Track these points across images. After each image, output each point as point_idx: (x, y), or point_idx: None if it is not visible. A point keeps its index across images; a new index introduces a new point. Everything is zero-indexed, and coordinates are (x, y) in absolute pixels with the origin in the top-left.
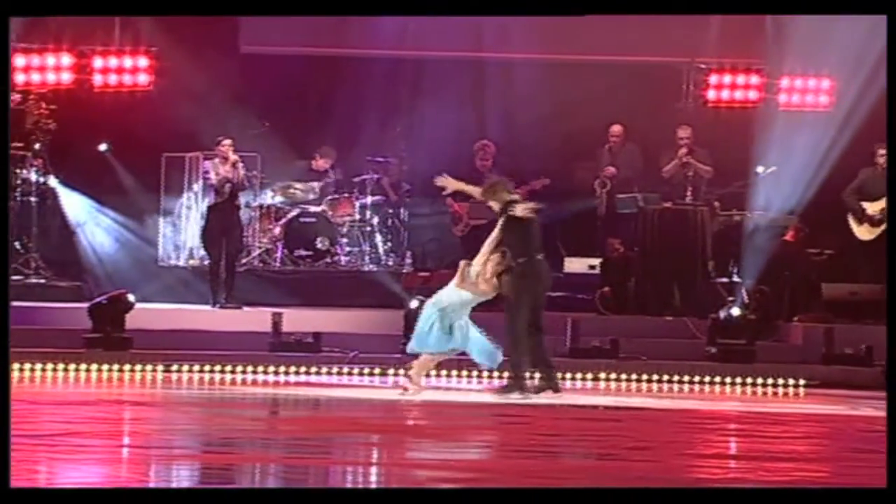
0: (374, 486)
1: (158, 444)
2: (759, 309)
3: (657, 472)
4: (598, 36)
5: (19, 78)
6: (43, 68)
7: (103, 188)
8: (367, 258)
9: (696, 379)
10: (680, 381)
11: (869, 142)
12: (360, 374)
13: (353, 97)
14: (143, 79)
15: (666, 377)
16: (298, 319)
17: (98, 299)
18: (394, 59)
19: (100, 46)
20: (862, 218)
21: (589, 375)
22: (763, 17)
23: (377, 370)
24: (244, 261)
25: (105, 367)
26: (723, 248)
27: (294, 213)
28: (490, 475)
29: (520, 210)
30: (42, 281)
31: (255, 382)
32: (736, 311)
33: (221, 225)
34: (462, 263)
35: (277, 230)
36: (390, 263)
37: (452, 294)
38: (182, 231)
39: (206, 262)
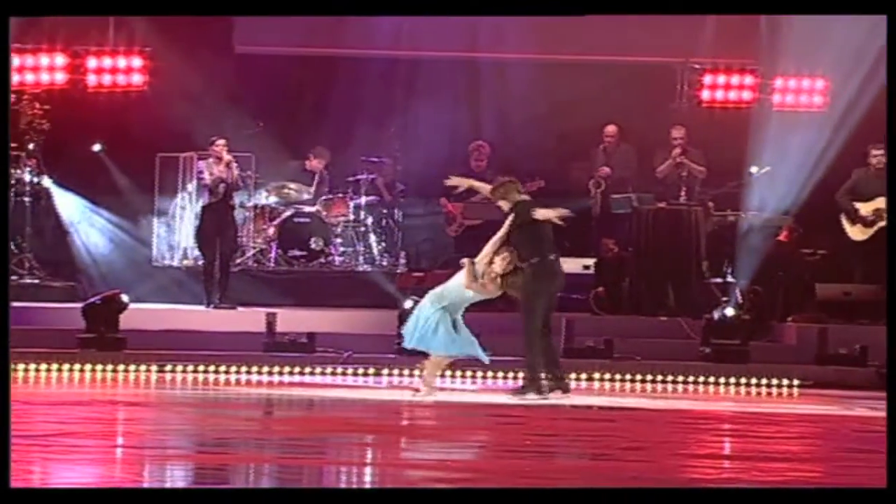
0: (368, 486)
1: (152, 444)
2: (753, 309)
3: (651, 473)
4: (592, 36)
5: (13, 78)
6: (37, 68)
7: (97, 188)
8: (361, 258)
9: (691, 379)
10: (674, 381)
11: (863, 142)
12: (355, 374)
13: (347, 97)
14: (137, 79)
15: (660, 377)
16: (292, 319)
17: (92, 299)
18: (388, 59)
19: (94, 46)
20: (855, 219)
21: (583, 375)
22: (757, 17)
23: (371, 370)
24: (238, 261)
25: (99, 367)
26: (717, 248)
27: (288, 213)
28: (484, 475)
29: (540, 213)
30: (36, 281)
31: (249, 383)
32: (730, 312)
33: (216, 225)
34: (466, 262)
35: (271, 230)
36: (384, 264)
37: (455, 292)
38: (176, 231)
39: (200, 263)
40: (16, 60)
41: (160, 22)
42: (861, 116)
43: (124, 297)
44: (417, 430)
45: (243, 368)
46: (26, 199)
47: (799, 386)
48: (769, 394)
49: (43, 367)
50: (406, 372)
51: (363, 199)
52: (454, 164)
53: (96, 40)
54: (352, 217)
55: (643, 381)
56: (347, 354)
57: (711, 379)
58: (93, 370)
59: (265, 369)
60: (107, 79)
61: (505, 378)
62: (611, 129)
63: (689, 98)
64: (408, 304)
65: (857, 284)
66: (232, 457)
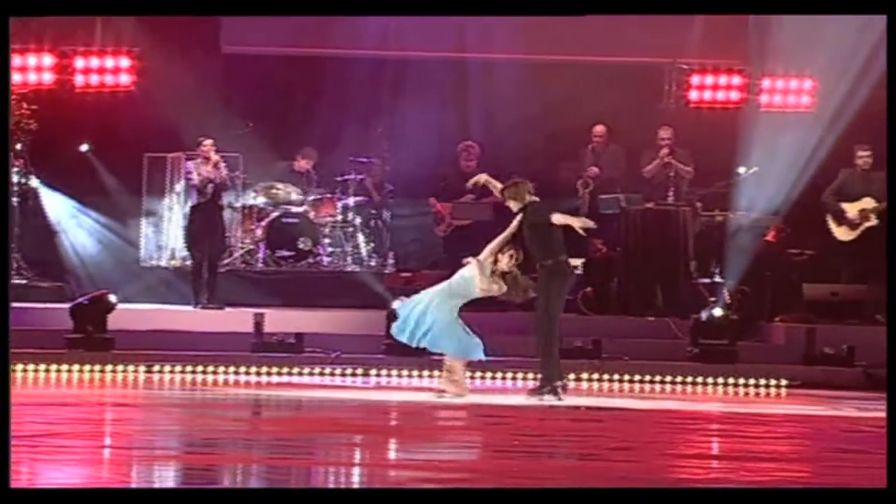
0: (356, 486)
1: (140, 444)
2: (741, 309)
3: (639, 473)
4: (580, 37)
5: None
6: (24, 68)
7: (85, 189)
8: (349, 259)
9: (679, 379)
10: (662, 382)
11: (850, 143)
12: (343, 374)
13: (335, 97)
14: (124, 79)
15: (648, 377)
16: (281, 320)
17: (80, 300)
18: (376, 59)
19: (81, 46)
20: (841, 219)
21: (571, 376)
22: (745, 17)
23: (360, 371)
24: (226, 261)
25: (87, 367)
26: (705, 248)
27: (276, 213)
28: (473, 475)
29: (557, 218)
30: (23, 281)
31: (237, 383)
32: (718, 312)
33: (204, 225)
34: (474, 261)
35: (259, 231)
36: (373, 264)
37: (460, 289)
38: (164, 231)
39: (189, 263)
40: None
41: (148, 22)
42: (849, 117)
43: (112, 298)
44: (406, 430)
45: (231, 369)
46: (14, 199)
47: (787, 386)
48: (757, 394)
49: (31, 367)
50: (394, 372)
51: (351, 200)
52: (442, 165)
53: (84, 40)
54: (340, 217)
55: (631, 381)
56: (336, 355)
57: (699, 379)
58: (80, 370)
59: (253, 370)
60: (94, 79)
61: (493, 378)
62: (599, 129)
63: (677, 98)
64: (396, 304)
65: (844, 285)
66: (220, 457)
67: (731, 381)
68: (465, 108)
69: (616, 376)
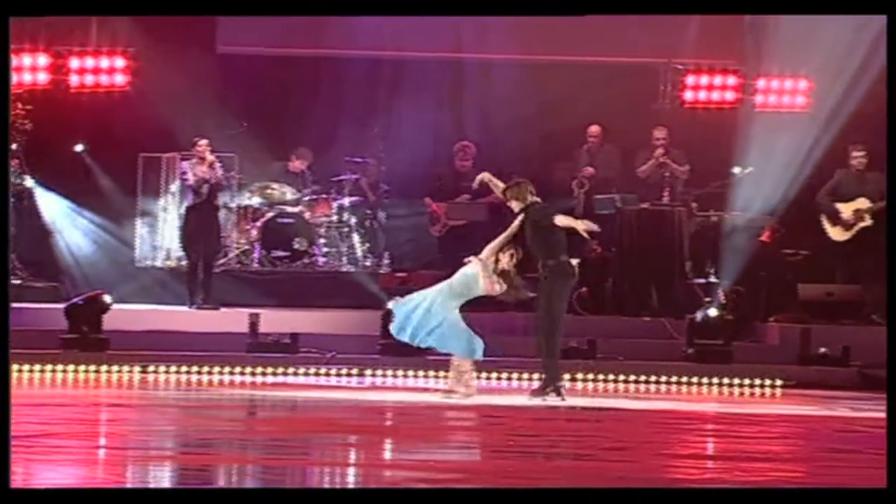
0: (351, 486)
1: (135, 445)
2: (736, 309)
3: (634, 473)
4: (575, 37)
5: None
6: (19, 68)
7: (80, 189)
8: (344, 259)
9: (674, 379)
10: (657, 382)
11: (845, 143)
12: (338, 374)
13: (330, 98)
14: (119, 79)
15: (643, 377)
16: (276, 320)
17: (75, 300)
18: (371, 59)
19: (76, 47)
20: (836, 220)
21: (566, 376)
22: (740, 17)
23: (355, 371)
24: (221, 261)
25: (82, 367)
26: (700, 248)
27: (271, 213)
28: (467, 475)
29: (560, 220)
30: (18, 282)
31: (232, 383)
32: (713, 312)
33: (200, 226)
34: (476, 260)
35: (255, 231)
36: (368, 264)
37: (461, 289)
38: (159, 232)
39: (184, 263)
40: None
41: (143, 22)
42: (844, 117)
43: (107, 298)
44: (400, 430)
45: (226, 369)
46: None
47: (781, 386)
48: (752, 394)
49: (25, 367)
50: (389, 372)
51: (347, 200)
52: (438, 165)
53: (79, 40)
54: (335, 217)
55: (626, 381)
56: (331, 355)
57: (694, 379)
58: (75, 371)
59: (248, 370)
60: (89, 79)
61: (489, 378)
62: (594, 129)
63: (673, 99)
64: (391, 304)
65: (839, 285)
66: (215, 457)
67: (725, 381)
68: (460, 109)
69: (611, 376)
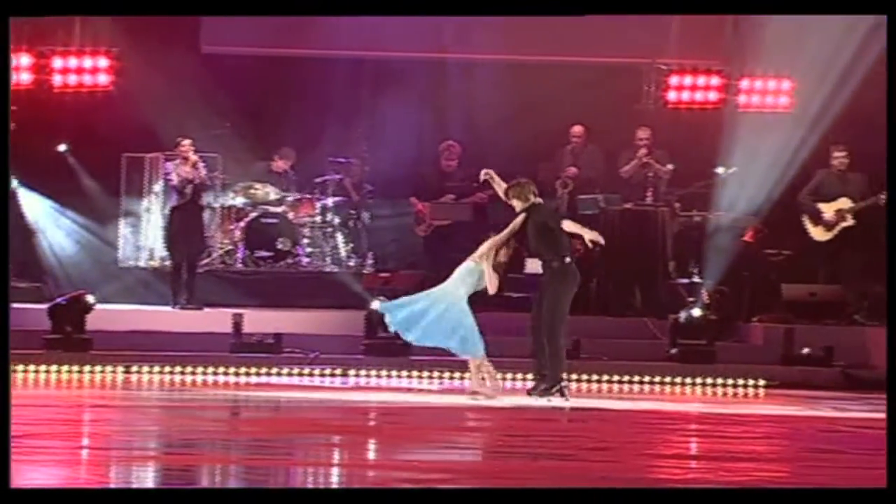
0: (335, 486)
1: (119, 445)
2: (720, 309)
3: (617, 473)
4: (559, 37)
5: None
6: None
7: (63, 189)
8: (328, 259)
9: (657, 379)
10: (641, 382)
11: (829, 143)
12: (322, 374)
13: (314, 98)
14: (103, 79)
15: (627, 378)
16: (259, 320)
17: (58, 300)
18: (355, 59)
19: (59, 46)
20: (818, 220)
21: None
22: (724, 18)
23: (338, 371)
24: (205, 261)
25: (65, 368)
26: (683, 248)
27: (255, 213)
28: (451, 476)
29: (569, 226)
30: None
31: (216, 383)
32: (696, 312)
33: (184, 226)
34: (479, 258)
35: (238, 231)
36: (351, 264)
37: (473, 278)
38: (142, 232)
39: (167, 263)
40: None
41: (126, 22)
42: (828, 118)
43: (90, 298)
44: (385, 431)
45: (210, 369)
46: None
47: (765, 386)
48: (735, 394)
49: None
50: (373, 373)
51: (330, 200)
52: (421, 164)
53: (62, 40)
54: (319, 218)
55: (610, 381)
56: (315, 355)
57: (678, 379)
58: (59, 371)
59: (232, 370)
60: (72, 79)
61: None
62: (577, 129)
63: (656, 99)
64: (375, 304)
65: (821, 285)
66: (199, 458)
67: (709, 381)
68: (443, 109)
69: (595, 376)
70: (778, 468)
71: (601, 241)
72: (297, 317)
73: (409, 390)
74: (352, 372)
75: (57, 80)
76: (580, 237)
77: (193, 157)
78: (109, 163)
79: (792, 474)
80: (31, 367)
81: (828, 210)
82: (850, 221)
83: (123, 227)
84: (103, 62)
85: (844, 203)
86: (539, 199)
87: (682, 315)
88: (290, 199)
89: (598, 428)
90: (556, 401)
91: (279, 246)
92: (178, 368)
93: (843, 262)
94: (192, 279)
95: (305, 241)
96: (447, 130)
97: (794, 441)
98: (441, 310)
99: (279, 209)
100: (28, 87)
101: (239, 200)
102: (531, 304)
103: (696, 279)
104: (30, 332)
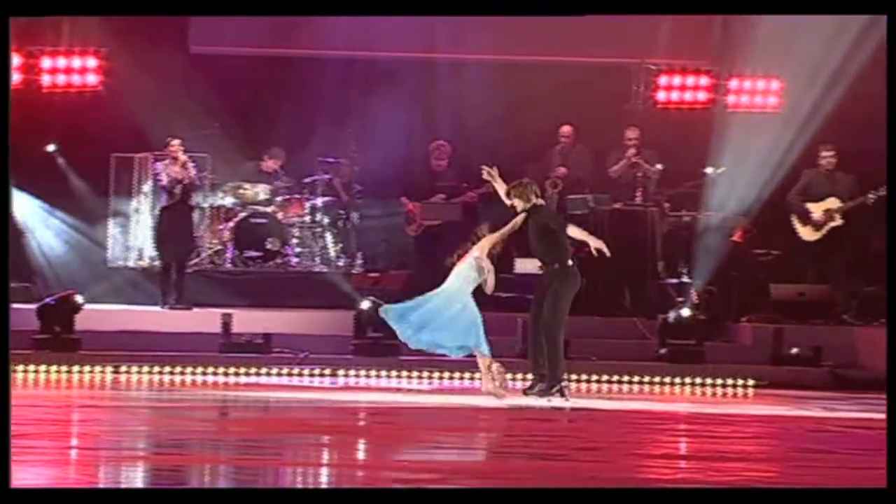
0: (324, 486)
1: (107, 445)
2: (708, 309)
3: (607, 473)
4: (548, 37)
5: None
6: None
7: (52, 189)
8: (317, 259)
9: (646, 379)
10: (630, 382)
11: (817, 143)
12: (311, 374)
13: (303, 98)
14: (91, 79)
15: (616, 377)
16: (248, 320)
17: (47, 300)
18: (345, 59)
19: (48, 46)
20: (806, 219)
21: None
22: (713, 18)
23: (328, 371)
24: (194, 261)
25: (53, 368)
26: (672, 248)
27: (244, 213)
28: (441, 475)
29: (574, 232)
30: None
31: (205, 384)
32: (685, 312)
33: (173, 226)
34: (481, 262)
35: (227, 231)
36: (341, 264)
37: (478, 272)
38: (131, 232)
39: (156, 263)
40: None
41: (115, 22)
42: (817, 119)
43: (79, 298)
44: (374, 431)
45: (199, 369)
46: None
47: (754, 386)
48: (724, 394)
49: None
50: (363, 373)
51: (320, 200)
52: (411, 164)
53: (51, 40)
54: (308, 218)
55: (599, 381)
56: (304, 355)
57: (667, 379)
58: (47, 371)
59: (221, 370)
60: (61, 79)
61: (461, 378)
62: (566, 129)
63: (645, 99)
64: (364, 304)
65: (810, 285)
66: (188, 458)
67: (698, 381)
68: (433, 109)
69: (584, 376)
70: (767, 468)
71: (606, 251)
72: (286, 317)
73: (399, 390)
74: (341, 372)
75: (46, 80)
76: (570, 238)
77: (183, 157)
78: (98, 163)
79: (781, 474)
80: (20, 367)
81: (816, 210)
82: (838, 221)
83: (112, 228)
84: (92, 62)
85: (833, 203)
86: (541, 201)
87: (672, 315)
88: (279, 199)
89: (588, 428)
90: (556, 401)
91: (268, 246)
92: (167, 368)
93: (832, 262)
94: (181, 279)
95: (295, 241)
96: (437, 130)
97: (783, 441)
98: (457, 309)
99: (268, 209)
100: (17, 87)
101: (228, 200)
102: (525, 304)
103: (685, 279)
104: (18, 332)
